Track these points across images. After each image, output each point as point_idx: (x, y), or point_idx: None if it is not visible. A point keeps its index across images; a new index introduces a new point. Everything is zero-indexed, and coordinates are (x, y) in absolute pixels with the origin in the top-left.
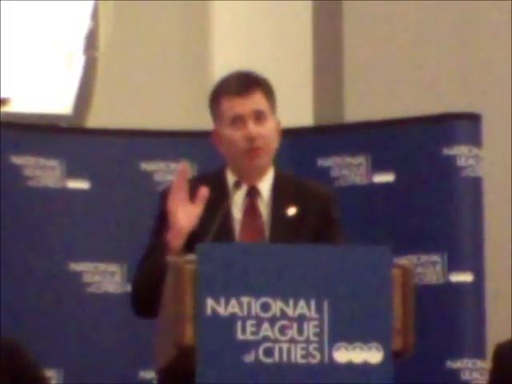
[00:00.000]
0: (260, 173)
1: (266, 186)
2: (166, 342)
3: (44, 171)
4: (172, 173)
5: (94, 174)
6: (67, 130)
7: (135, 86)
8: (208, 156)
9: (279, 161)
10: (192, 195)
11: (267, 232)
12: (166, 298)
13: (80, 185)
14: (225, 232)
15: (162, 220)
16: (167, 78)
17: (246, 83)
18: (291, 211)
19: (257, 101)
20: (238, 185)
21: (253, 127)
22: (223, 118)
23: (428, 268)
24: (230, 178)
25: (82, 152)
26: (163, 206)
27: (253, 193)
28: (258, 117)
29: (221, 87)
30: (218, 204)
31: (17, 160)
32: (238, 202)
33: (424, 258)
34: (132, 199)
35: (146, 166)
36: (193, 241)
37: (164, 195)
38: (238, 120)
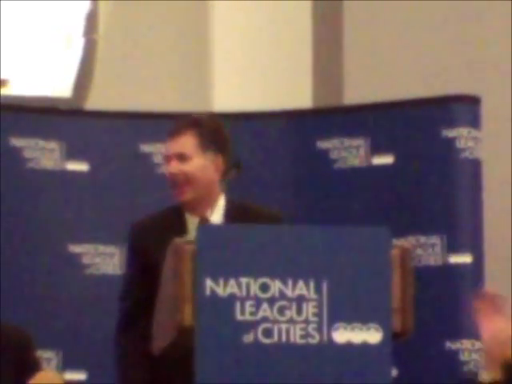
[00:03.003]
0: (206, 204)
1: (217, 215)
2: (165, 322)
3: (43, 153)
4: None
5: (93, 156)
6: (66, 112)
7: (134, 69)
8: None
9: (280, 143)
10: (152, 233)
11: None
12: (166, 278)
13: (79, 167)
14: None
15: (133, 254)
16: (166, 61)
17: (177, 127)
18: None
19: (182, 142)
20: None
21: (173, 164)
22: None
23: (427, 249)
24: (187, 213)
25: (82, 134)
26: (133, 241)
27: (204, 224)
28: (181, 157)
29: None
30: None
31: (16, 142)
32: (193, 234)
33: (423, 239)
34: (131, 181)
35: (145, 148)
36: (155, 276)
37: (133, 230)
38: (167, 159)
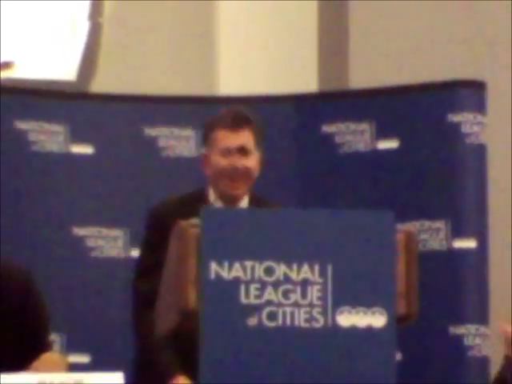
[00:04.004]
0: (240, 197)
1: (243, 205)
2: (169, 305)
3: (48, 136)
4: (175, 138)
5: (98, 139)
6: (71, 95)
7: (139, 52)
8: None
9: (285, 127)
10: (175, 216)
11: None
12: (170, 261)
13: (84, 150)
14: None
15: (156, 238)
16: (171, 44)
17: (238, 120)
18: None
19: (245, 137)
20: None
21: (237, 159)
22: (215, 146)
23: (431, 234)
24: (212, 198)
25: (86, 117)
26: (157, 225)
27: None
28: (243, 151)
29: (218, 119)
30: None
31: (21, 125)
32: None
33: (427, 224)
34: (135, 164)
35: (150, 131)
36: None
37: (157, 214)
38: (227, 151)
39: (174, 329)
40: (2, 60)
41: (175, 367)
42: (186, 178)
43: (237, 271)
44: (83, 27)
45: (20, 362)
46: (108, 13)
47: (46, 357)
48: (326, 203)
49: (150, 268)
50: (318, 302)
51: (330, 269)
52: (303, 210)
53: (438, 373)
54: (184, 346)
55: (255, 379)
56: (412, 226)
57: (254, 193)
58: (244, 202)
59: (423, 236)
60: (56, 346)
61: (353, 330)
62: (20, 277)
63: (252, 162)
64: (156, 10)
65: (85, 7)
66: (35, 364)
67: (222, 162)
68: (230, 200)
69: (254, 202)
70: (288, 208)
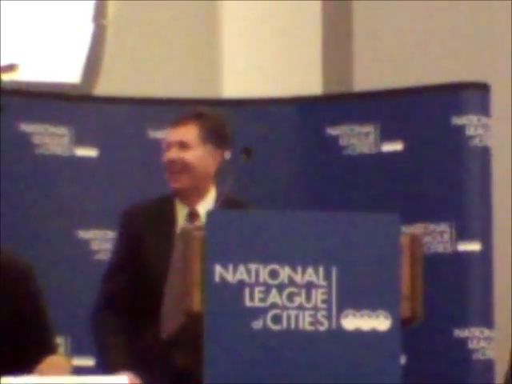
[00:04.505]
0: (197, 195)
1: (206, 207)
2: (175, 308)
3: (52, 139)
4: None
5: (103, 142)
6: (76, 97)
7: (143, 55)
8: None
9: (289, 129)
10: (143, 218)
11: None
12: (175, 264)
13: (88, 152)
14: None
15: (122, 240)
16: (175, 47)
17: (181, 116)
18: None
19: (184, 131)
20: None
21: (175, 152)
22: None
23: (436, 237)
24: (178, 203)
25: (91, 120)
26: (123, 227)
27: (191, 216)
28: (182, 145)
29: None
30: (164, 229)
31: (26, 128)
32: (181, 224)
33: (432, 227)
34: (140, 167)
35: (154, 134)
36: (140, 262)
37: (124, 216)
38: (168, 146)
39: (179, 331)
40: (7, 62)
41: (125, 366)
42: None
43: (241, 274)
44: (87, 29)
45: (20, 361)
46: (112, 15)
47: (51, 360)
48: (331, 206)
49: (114, 269)
50: (323, 305)
51: (334, 272)
52: (308, 213)
53: (442, 376)
54: (189, 348)
55: (260, 382)
56: (416, 228)
57: (223, 193)
58: (207, 203)
59: (427, 239)
60: (60, 349)
61: (357, 333)
62: (19, 273)
63: (191, 155)
64: (160, 12)
65: (89, 9)
66: (40, 367)
67: (163, 157)
68: (185, 198)
69: (223, 203)
70: (293, 211)
